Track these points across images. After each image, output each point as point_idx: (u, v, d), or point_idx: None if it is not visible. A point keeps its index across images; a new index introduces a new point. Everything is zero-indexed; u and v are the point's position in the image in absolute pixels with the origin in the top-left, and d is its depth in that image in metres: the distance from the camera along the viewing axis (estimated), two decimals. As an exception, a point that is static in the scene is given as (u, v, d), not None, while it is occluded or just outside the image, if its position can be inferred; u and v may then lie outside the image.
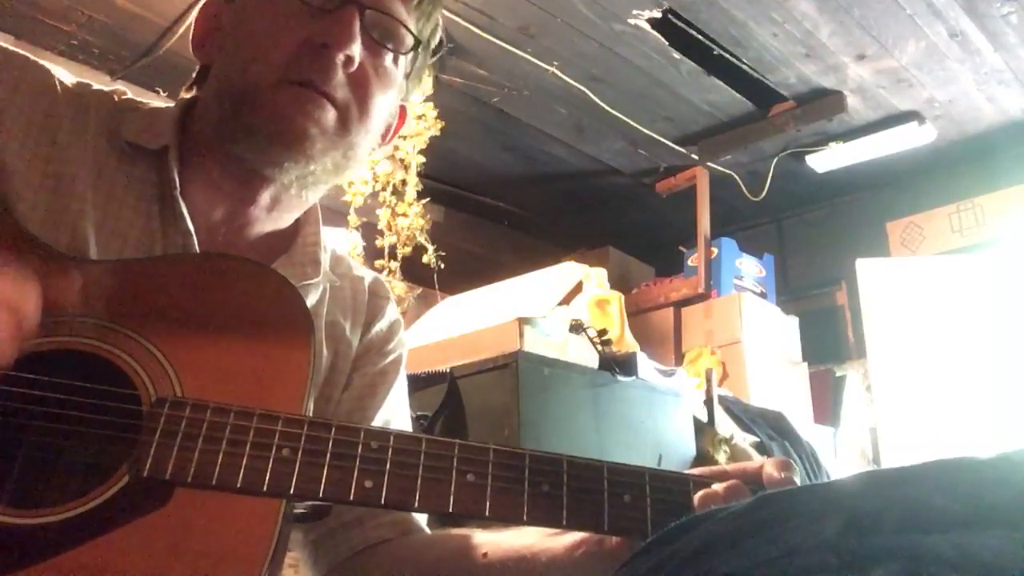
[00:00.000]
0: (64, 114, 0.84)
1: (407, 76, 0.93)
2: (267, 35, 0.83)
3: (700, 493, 0.72)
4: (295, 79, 0.82)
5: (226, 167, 0.86)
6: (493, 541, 0.85)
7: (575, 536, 0.80)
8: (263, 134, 0.82)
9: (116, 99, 0.90)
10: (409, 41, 0.89)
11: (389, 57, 0.88)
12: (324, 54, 0.82)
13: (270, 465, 0.66)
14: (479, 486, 0.68)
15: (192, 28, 0.92)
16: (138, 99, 0.92)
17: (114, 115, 0.88)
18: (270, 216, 0.91)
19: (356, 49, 0.82)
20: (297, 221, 0.95)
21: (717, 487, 0.73)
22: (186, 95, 0.93)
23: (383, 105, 0.89)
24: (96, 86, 0.90)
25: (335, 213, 3.01)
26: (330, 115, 0.83)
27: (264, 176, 0.86)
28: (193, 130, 0.89)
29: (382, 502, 0.67)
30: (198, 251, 0.83)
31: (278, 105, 0.81)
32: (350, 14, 0.83)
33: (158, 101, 0.93)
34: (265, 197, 0.89)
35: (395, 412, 0.99)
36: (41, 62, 0.88)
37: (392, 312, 1.03)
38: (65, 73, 0.89)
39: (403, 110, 0.98)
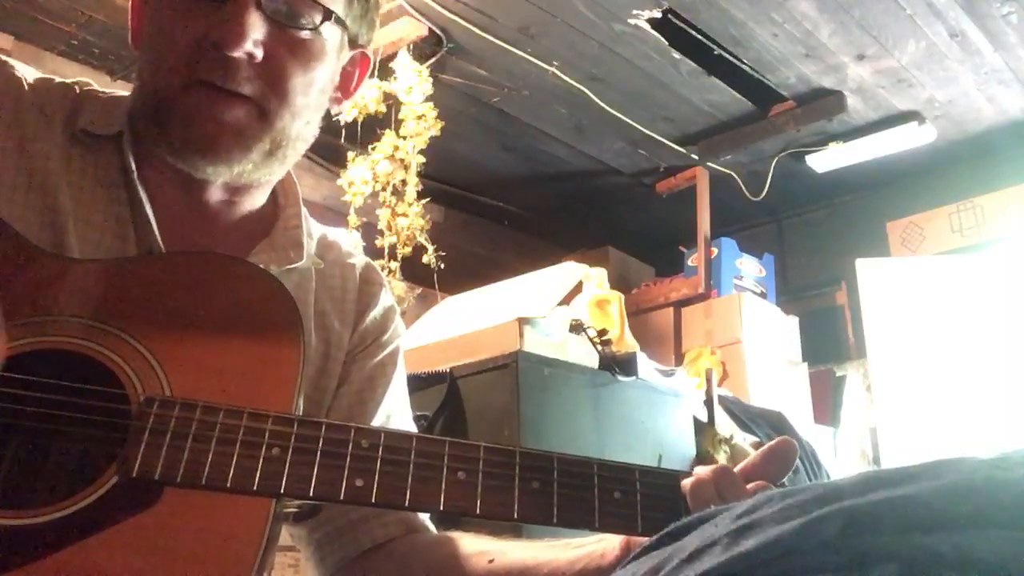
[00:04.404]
0: (30, 111, 0.83)
1: (347, 28, 0.86)
2: (168, 34, 0.80)
3: (689, 480, 0.72)
4: (198, 80, 0.78)
5: (168, 163, 0.83)
6: (499, 549, 0.85)
7: (578, 551, 0.80)
8: (177, 141, 0.79)
9: (78, 91, 0.88)
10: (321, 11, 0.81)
11: (306, 31, 0.81)
12: (220, 53, 0.77)
13: (260, 464, 0.65)
14: (469, 484, 0.68)
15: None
16: (100, 88, 0.90)
17: (75, 106, 0.86)
18: (232, 204, 0.88)
19: (250, 44, 0.77)
20: (276, 203, 0.93)
21: (702, 471, 0.73)
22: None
23: (311, 79, 0.83)
24: (58, 79, 0.88)
25: (335, 213, 3.02)
26: (240, 113, 0.79)
27: (198, 178, 0.83)
28: None
29: (372, 501, 0.66)
30: (158, 236, 0.81)
31: (187, 109, 0.78)
32: (241, 5, 0.77)
33: (123, 91, 0.91)
34: (214, 192, 0.86)
35: (395, 407, 0.98)
36: (3, 58, 0.86)
37: (386, 298, 1.00)
38: (27, 69, 0.87)
39: (364, 58, 0.93)
